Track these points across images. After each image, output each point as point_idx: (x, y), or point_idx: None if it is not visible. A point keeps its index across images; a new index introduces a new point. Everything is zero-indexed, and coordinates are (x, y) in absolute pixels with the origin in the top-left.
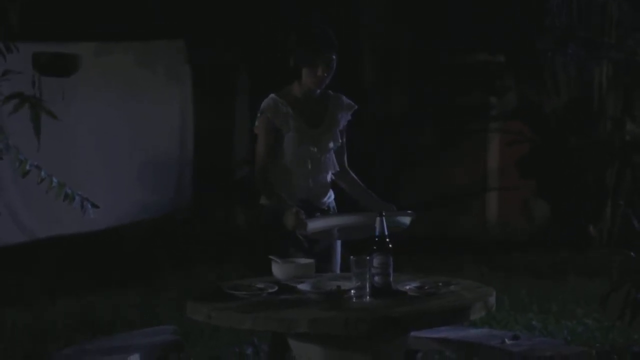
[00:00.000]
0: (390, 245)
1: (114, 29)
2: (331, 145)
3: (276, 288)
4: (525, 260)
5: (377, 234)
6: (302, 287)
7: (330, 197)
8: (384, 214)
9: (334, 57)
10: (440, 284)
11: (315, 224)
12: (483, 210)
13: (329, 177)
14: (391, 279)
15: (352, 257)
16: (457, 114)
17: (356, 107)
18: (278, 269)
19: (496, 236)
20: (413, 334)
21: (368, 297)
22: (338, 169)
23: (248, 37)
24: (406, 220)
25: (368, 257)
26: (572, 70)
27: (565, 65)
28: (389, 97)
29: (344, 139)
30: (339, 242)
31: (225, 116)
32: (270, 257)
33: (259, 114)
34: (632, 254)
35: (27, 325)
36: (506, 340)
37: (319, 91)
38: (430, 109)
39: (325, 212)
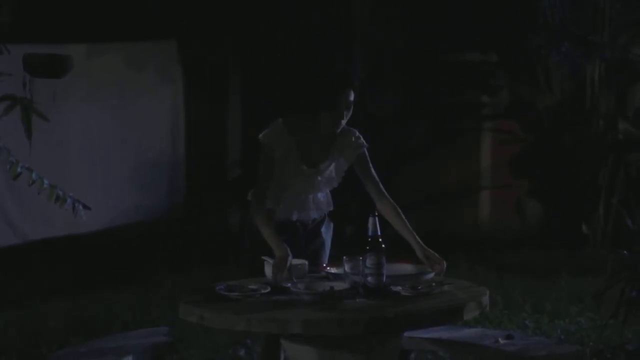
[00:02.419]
0: (383, 246)
1: (106, 30)
2: (323, 186)
3: (269, 289)
4: (518, 260)
5: (370, 234)
6: (295, 288)
7: (316, 218)
8: (376, 214)
9: (351, 95)
10: (434, 283)
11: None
12: (476, 209)
13: (320, 214)
14: (384, 279)
15: (345, 257)
16: (450, 113)
17: (366, 146)
18: (270, 270)
19: (489, 235)
20: (406, 334)
21: (361, 298)
22: (332, 208)
23: (241, 36)
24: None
25: (361, 258)
26: (565, 68)
27: (558, 64)
28: (382, 96)
29: (372, 173)
30: (328, 242)
31: (218, 116)
32: (263, 257)
33: (264, 131)
34: (625, 252)
35: (20, 327)
36: (500, 339)
37: None
38: (423, 108)
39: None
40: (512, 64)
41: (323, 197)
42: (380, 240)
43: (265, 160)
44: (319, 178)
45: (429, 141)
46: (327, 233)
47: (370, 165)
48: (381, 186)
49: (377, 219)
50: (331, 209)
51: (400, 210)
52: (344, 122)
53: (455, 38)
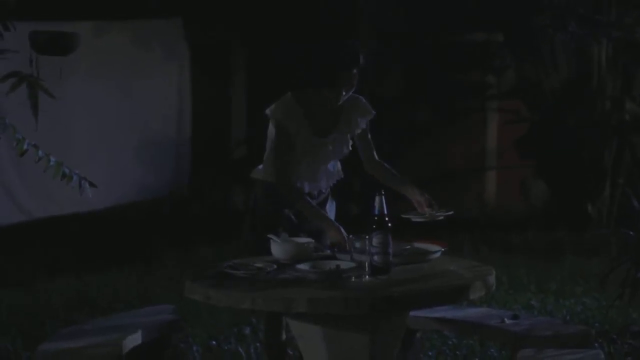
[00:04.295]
0: (389, 224)
1: (112, 8)
2: (334, 156)
3: (275, 267)
4: (523, 240)
5: (376, 212)
6: (301, 266)
7: (322, 191)
8: (383, 192)
9: (355, 72)
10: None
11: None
12: (482, 190)
13: (330, 183)
14: (390, 258)
15: (350, 236)
16: (456, 94)
17: (374, 113)
18: (277, 248)
19: (495, 216)
20: (412, 313)
21: (367, 277)
22: (342, 176)
23: (246, 14)
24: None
25: (367, 236)
26: (571, 48)
27: (565, 44)
28: (386, 76)
29: (368, 137)
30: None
31: (223, 95)
32: (269, 236)
33: (274, 106)
34: (630, 232)
35: (25, 305)
36: (505, 319)
37: None
38: (428, 89)
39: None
40: (517, 43)
41: (333, 167)
42: (386, 219)
43: (281, 137)
44: (330, 148)
45: (434, 122)
46: (330, 211)
47: (368, 131)
48: (374, 152)
49: (383, 197)
50: (342, 177)
51: (385, 163)
52: (346, 95)
53: (460, 17)
